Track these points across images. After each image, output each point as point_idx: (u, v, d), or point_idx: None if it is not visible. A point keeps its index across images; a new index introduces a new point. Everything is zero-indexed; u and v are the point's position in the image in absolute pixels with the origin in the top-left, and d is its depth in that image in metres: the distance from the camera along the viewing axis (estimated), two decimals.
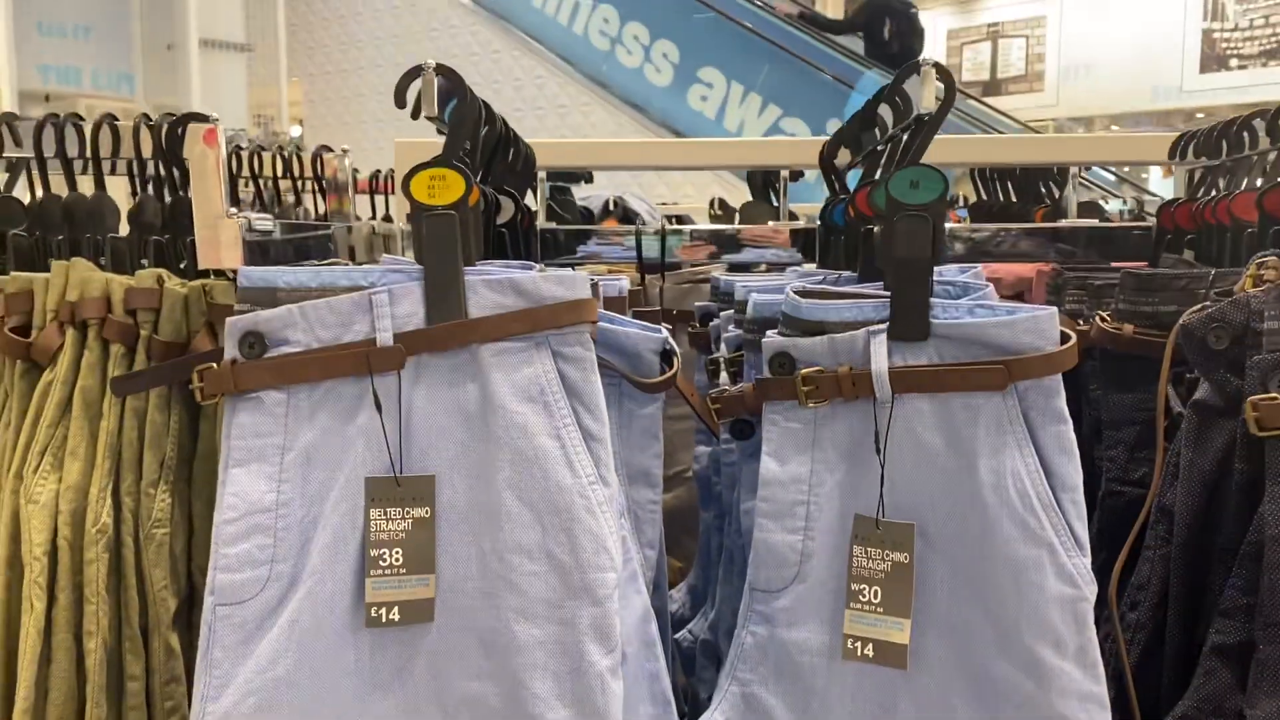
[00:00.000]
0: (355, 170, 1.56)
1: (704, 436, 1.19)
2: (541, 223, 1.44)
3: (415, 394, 0.79)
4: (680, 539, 1.43)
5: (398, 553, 0.79)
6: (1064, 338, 0.78)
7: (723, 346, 1.03)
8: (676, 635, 1.13)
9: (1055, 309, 0.77)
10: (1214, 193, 1.14)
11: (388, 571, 0.79)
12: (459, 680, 0.79)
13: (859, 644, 0.82)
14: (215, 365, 0.79)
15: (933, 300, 0.81)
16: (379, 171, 1.80)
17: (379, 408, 0.78)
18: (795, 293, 0.85)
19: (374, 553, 0.78)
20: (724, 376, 1.00)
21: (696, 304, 1.29)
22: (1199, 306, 0.89)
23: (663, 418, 1.25)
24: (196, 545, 0.92)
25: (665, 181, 6.05)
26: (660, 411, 0.94)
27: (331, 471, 0.79)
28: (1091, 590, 0.77)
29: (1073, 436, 0.78)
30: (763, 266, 1.42)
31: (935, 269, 0.86)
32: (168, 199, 0.99)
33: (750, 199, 2.04)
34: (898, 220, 0.81)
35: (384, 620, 0.78)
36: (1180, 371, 0.94)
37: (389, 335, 0.78)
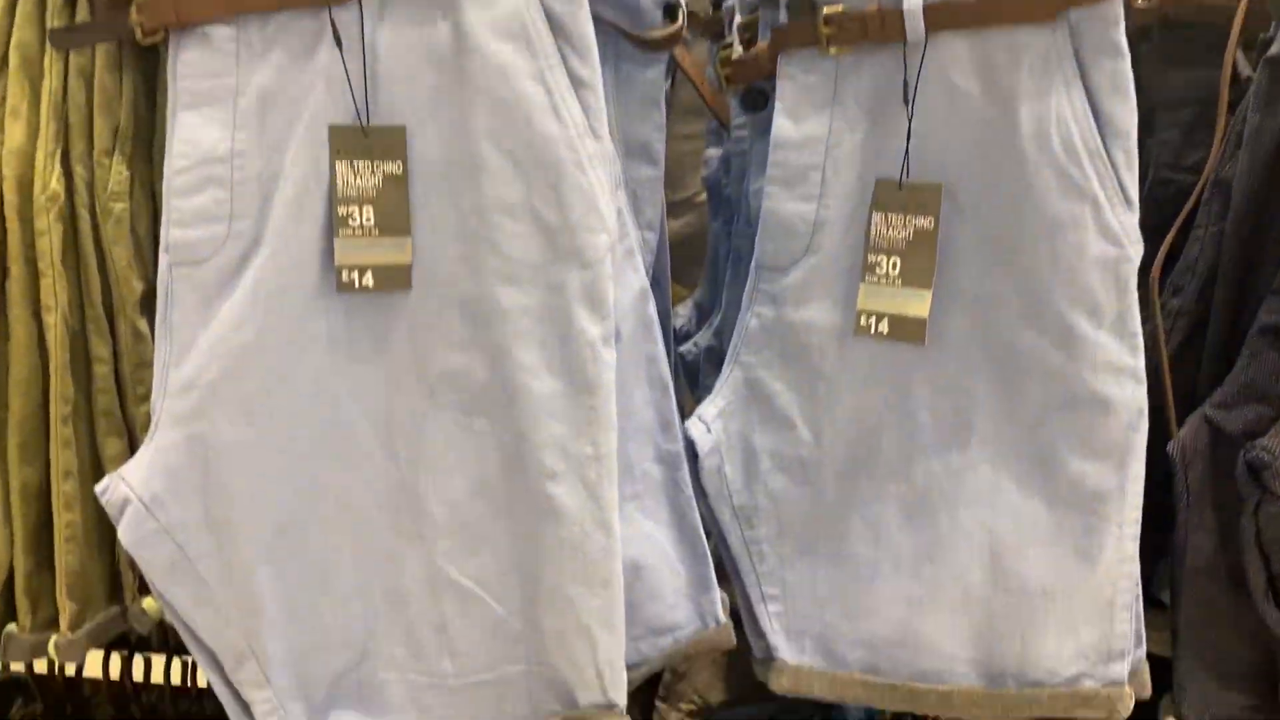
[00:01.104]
0: None
1: (714, 138, 1.09)
2: None
3: (380, 32, 0.70)
4: (689, 268, 1.36)
5: (368, 211, 0.71)
6: None
7: (736, 14, 0.92)
8: (681, 349, 1.08)
9: None
10: None
11: (358, 232, 0.72)
12: (441, 352, 0.73)
13: (873, 319, 0.75)
14: None
15: None
16: None
17: (339, 44, 0.69)
18: None
19: (342, 210, 0.71)
20: (737, 48, 0.89)
21: None
22: None
23: (671, 136, 1.15)
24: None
25: None
26: (662, 78, 0.84)
27: (290, 118, 0.70)
28: (1136, 250, 0.70)
29: (1129, 74, 0.69)
30: None
31: None
32: None
33: None
34: None
35: (356, 285, 0.72)
36: (1251, 34, 0.83)
37: None
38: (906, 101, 0.71)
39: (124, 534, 0.71)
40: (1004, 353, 0.74)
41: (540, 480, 0.73)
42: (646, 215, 0.85)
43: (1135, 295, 0.70)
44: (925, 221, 0.73)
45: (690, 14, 1.24)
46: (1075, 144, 0.68)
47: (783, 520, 0.82)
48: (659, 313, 0.86)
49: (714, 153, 1.08)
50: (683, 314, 1.15)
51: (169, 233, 0.70)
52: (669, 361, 0.87)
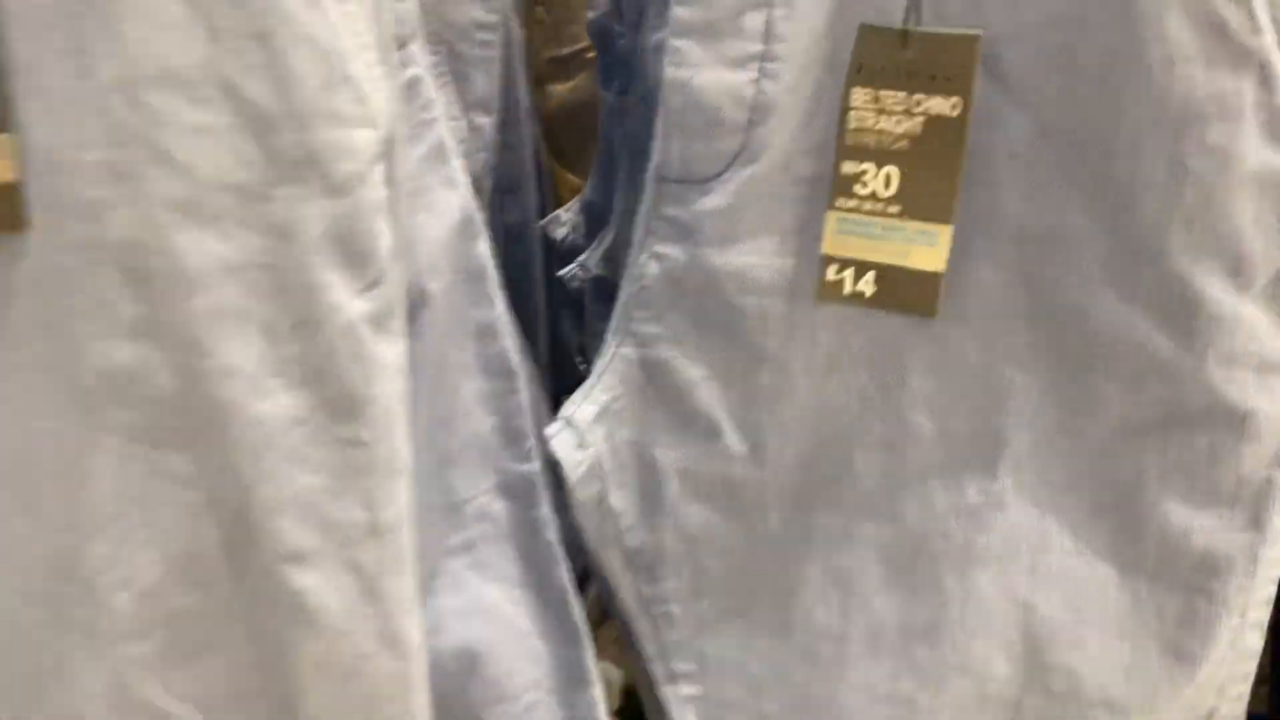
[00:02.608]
0: None
1: None
2: None
3: None
4: (585, 146, 1.04)
5: None
6: None
7: None
8: (562, 272, 0.76)
9: None
10: None
11: None
12: (96, 339, 0.41)
13: (849, 272, 0.45)
14: None
15: None
16: None
17: None
18: None
19: None
20: None
21: None
22: None
23: None
24: None
25: None
26: None
27: None
28: None
29: None
30: None
31: None
32: None
33: None
34: None
35: None
36: None
37: None
38: None
39: None
40: (1065, 328, 0.44)
41: (278, 564, 0.42)
42: (477, 87, 0.52)
43: None
44: (947, 104, 0.41)
45: None
46: None
47: (701, 569, 0.53)
48: (514, 228, 0.55)
49: None
50: (567, 220, 0.83)
51: None
52: (540, 315, 0.56)
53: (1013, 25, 0.40)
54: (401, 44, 0.44)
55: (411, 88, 0.44)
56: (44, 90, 0.38)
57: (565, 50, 1.03)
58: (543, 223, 0.83)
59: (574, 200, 0.84)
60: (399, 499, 0.42)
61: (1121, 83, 0.39)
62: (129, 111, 0.38)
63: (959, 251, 0.44)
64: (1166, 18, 0.38)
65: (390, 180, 0.40)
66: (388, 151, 0.40)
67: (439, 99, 0.47)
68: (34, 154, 0.39)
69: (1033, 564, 0.47)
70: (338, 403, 0.40)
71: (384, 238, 0.40)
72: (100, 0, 0.37)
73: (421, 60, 0.45)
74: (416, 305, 0.45)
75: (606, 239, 0.73)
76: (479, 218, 0.48)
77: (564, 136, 0.97)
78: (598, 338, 0.56)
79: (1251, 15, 0.37)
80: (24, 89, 0.38)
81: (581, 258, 0.77)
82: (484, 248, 0.49)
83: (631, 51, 0.66)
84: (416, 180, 0.44)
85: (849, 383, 0.48)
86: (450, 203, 0.47)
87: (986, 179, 0.43)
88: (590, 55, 1.03)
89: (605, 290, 0.71)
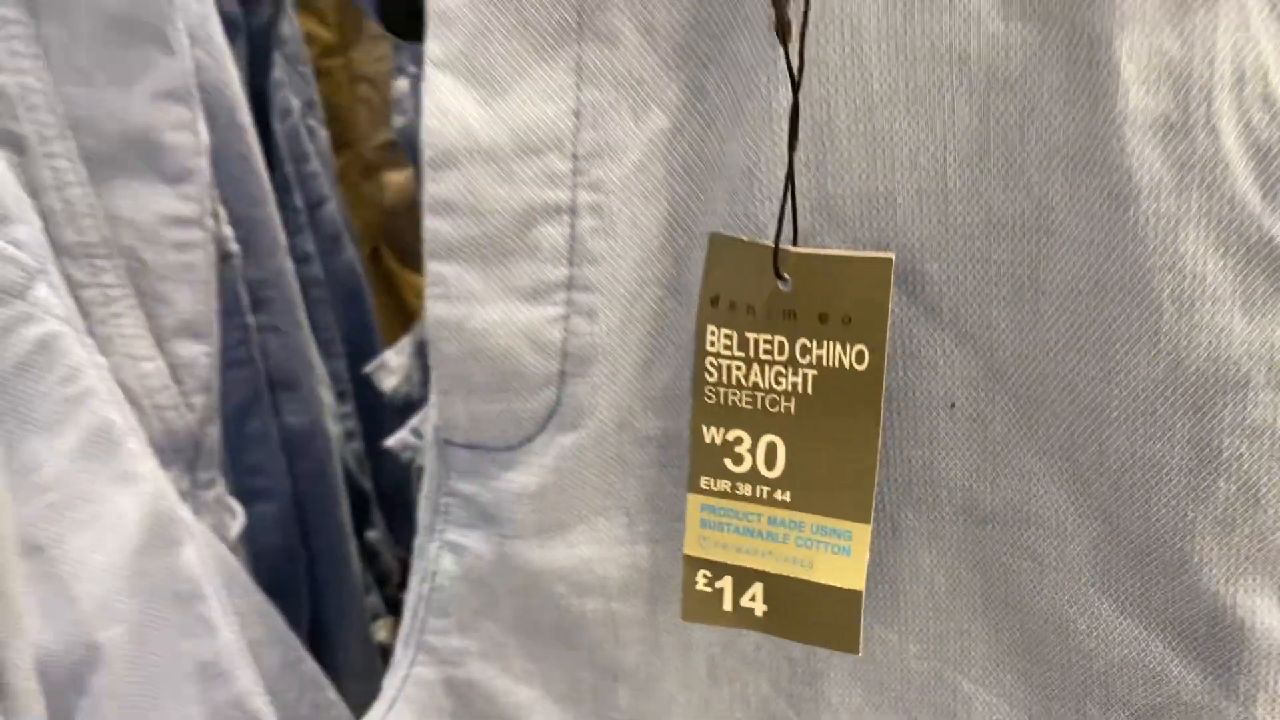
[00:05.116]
0: None
1: (407, 58, 0.60)
2: None
3: None
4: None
5: None
6: None
7: None
8: (390, 441, 0.61)
9: None
10: None
11: None
12: None
13: (727, 584, 0.30)
14: None
15: None
16: None
17: None
18: None
19: None
20: None
21: None
22: None
23: None
24: None
25: None
26: None
27: None
28: None
29: None
30: None
31: None
32: None
33: None
34: None
35: None
36: None
37: None
38: (782, 36, 0.24)
39: None
40: (1042, 640, 0.30)
41: None
42: (178, 307, 0.35)
43: None
44: (848, 353, 0.27)
45: None
46: None
47: None
48: (299, 451, 0.39)
49: (404, 86, 0.58)
50: (394, 365, 0.67)
51: None
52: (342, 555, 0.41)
53: (940, 230, 0.26)
54: (17, 293, 0.28)
55: (40, 355, 0.28)
56: None
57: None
58: (369, 369, 0.68)
59: (405, 339, 0.69)
60: None
61: (1111, 320, 0.25)
62: None
63: (886, 526, 0.30)
64: (1180, 235, 0.24)
65: None
66: None
67: (90, 357, 0.31)
68: None
69: None
70: None
71: None
72: None
73: (58, 307, 0.29)
74: (78, 673, 0.29)
75: None
76: (179, 513, 0.33)
77: (409, 233, 0.83)
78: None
79: None
80: None
81: (415, 419, 0.62)
82: (189, 556, 0.33)
83: None
84: (63, 489, 0.29)
85: (743, 696, 0.34)
86: (124, 508, 0.31)
87: (917, 435, 0.29)
88: None
89: None
